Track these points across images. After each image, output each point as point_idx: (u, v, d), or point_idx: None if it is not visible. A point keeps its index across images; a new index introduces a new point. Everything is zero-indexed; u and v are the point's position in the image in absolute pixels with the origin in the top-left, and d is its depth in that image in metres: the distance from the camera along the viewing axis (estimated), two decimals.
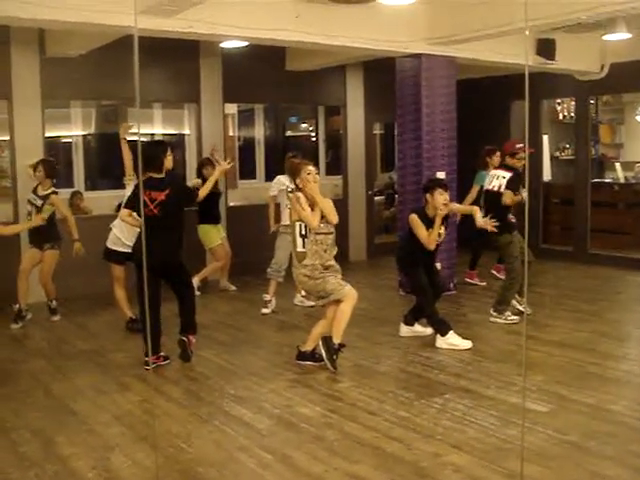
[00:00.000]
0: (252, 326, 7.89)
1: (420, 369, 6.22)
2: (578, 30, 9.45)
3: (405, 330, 7.26)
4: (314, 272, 6.08)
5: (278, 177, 8.53)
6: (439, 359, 6.47)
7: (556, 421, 4.92)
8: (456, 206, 7.50)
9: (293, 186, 8.14)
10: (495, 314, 7.68)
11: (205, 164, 9.28)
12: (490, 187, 7.64)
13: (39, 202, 7.84)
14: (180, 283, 6.49)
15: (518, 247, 7.48)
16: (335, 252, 6.21)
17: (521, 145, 7.70)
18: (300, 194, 6.15)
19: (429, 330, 7.13)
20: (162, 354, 6.37)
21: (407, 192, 9.22)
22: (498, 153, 9.35)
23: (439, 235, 6.84)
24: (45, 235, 7.90)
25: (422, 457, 4.41)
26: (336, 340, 6.08)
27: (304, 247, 6.15)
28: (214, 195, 9.30)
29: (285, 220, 8.27)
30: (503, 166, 7.75)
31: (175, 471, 4.28)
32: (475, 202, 8.71)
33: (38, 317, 8.22)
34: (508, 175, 7.49)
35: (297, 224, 6.19)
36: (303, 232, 6.17)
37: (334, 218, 6.08)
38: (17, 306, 7.87)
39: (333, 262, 6.18)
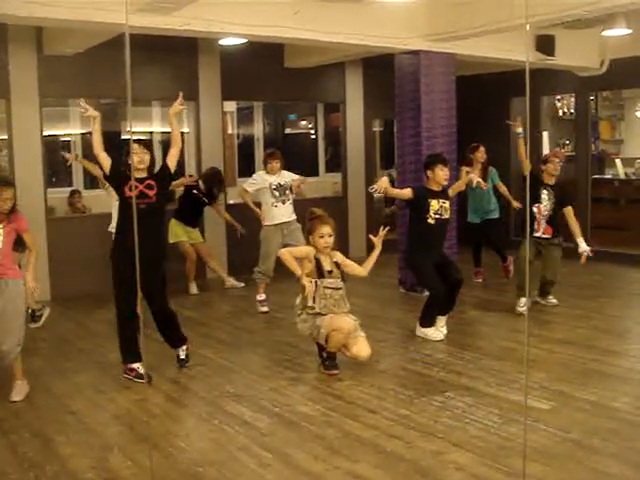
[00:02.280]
0: (252, 324, 7.87)
1: (420, 367, 6.20)
2: (578, 26, 9.42)
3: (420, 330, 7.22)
4: (307, 316, 6.06)
5: (259, 173, 8.35)
6: (439, 357, 6.45)
7: (558, 419, 4.89)
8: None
9: (276, 183, 8.11)
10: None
11: (214, 173, 9.47)
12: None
13: None
14: None
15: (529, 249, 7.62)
16: (347, 309, 6.12)
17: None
18: (312, 249, 6.09)
19: (441, 334, 7.02)
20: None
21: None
22: (482, 148, 9.37)
23: (446, 211, 6.92)
24: None
25: (423, 455, 4.38)
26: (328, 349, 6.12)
27: (314, 302, 6.04)
28: (193, 198, 9.28)
29: (269, 220, 8.18)
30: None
31: (174, 470, 4.26)
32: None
33: None
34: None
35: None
36: (314, 287, 6.05)
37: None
38: None
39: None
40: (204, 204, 9.44)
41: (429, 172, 6.96)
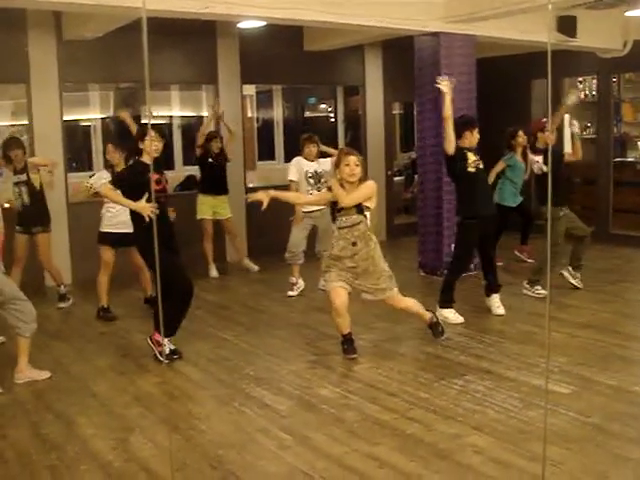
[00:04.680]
0: (272, 308, 7.88)
1: (440, 350, 6.19)
2: (600, 6, 9.29)
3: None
4: (328, 260, 6.05)
5: (297, 159, 8.24)
6: (459, 340, 6.43)
7: (578, 403, 4.87)
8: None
9: (312, 171, 8.09)
10: (527, 286, 7.81)
11: (213, 137, 9.40)
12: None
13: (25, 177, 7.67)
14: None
15: (565, 226, 7.67)
16: (371, 246, 5.96)
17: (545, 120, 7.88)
18: (324, 195, 6.11)
19: (501, 310, 7.17)
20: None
21: (427, 172, 9.15)
22: (521, 133, 9.34)
23: (481, 164, 6.98)
24: (35, 216, 7.72)
25: (442, 438, 4.39)
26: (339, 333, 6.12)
27: (333, 248, 6.04)
28: (210, 164, 9.33)
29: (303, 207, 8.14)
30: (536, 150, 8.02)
31: (195, 452, 4.29)
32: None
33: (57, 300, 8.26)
34: (541, 158, 7.77)
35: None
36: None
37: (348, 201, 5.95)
38: None
39: (373, 258, 5.95)
40: (222, 165, 9.45)
41: (467, 132, 6.94)
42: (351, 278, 5.96)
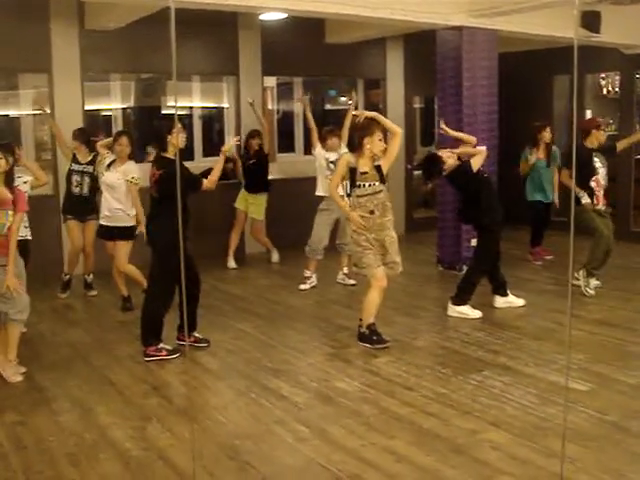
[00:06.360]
0: (291, 300, 7.89)
1: (458, 345, 6.18)
2: (624, 2, 9.21)
3: (501, 302, 7.28)
4: (359, 238, 5.98)
5: (319, 149, 8.26)
6: (477, 335, 6.42)
7: (596, 400, 4.85)
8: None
9: (334, 159, 8.07)
10: (582, 273, 7.71)
11: (254, 135, 9.45)
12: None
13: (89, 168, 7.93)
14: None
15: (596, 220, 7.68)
16: (389, 217, 6.01)
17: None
18: (344, 161, 6.02)
19: (521, 301, 7.26)
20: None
21: None
22: (549, 129, 9.28)
23: None
24: (91, 205, 8.01)
25: (459, 433, 4.38)
26: (364, 323, 6.11)
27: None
28: (251, 164, 9.39)
29: (323, 190, 8.09)
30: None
31: (212, 443, 4.31)
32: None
33: (78, 289, 8.30)
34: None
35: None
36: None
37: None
38: (68, 276, 8.07)
39: (388, 229, 6.01)
40: (260, 163, 9.51)
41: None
42: (381, 254, 6.01)
